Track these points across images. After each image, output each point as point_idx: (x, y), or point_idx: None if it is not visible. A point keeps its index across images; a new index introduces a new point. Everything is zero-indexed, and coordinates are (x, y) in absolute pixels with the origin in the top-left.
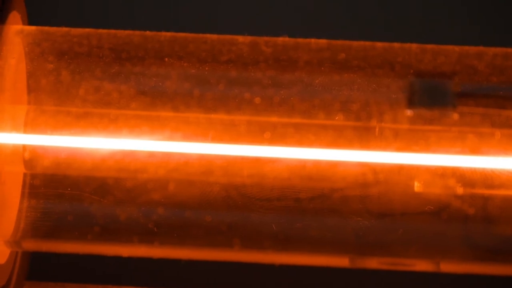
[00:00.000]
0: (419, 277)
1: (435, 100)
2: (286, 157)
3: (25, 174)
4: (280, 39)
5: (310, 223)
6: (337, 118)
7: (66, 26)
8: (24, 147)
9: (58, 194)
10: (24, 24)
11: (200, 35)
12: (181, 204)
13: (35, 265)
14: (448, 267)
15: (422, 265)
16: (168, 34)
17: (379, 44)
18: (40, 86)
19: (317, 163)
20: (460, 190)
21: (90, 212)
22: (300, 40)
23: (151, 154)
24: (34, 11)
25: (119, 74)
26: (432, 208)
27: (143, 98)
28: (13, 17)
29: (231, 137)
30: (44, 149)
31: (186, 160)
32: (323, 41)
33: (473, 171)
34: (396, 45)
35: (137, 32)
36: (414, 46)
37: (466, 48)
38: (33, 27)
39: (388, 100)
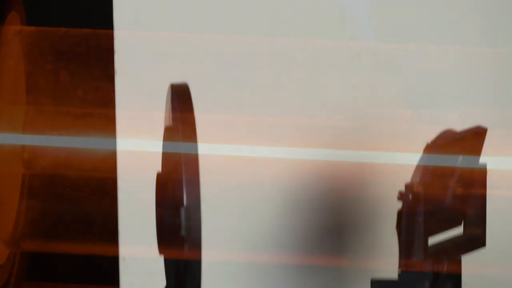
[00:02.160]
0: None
1: (433, 100)
2: (285, 157)
3: (24, 175)
4: (279, 39)
5: (308, 223)
6: (336, 118)
7: (65, 26)
8: (23, 147)
9: (57, 194)
10: (23, 24)
11: (200, 35)
12: (179, 204)
13: (34, 265)
14: (447, 267)
15: (421, 265)
16: (167, 34)
17: (376, 45)
18: (39, 87)
19: (315, 163)
20: (459, 190)
21: (89, 212)
22: (299, 40)
23: (150, 154)
24: (32, 12)
25: (118, 74)
26: (431, 208)
27: (141, 98)
28: (12, 17)
29: (230, 137)
30: (43, 150)
31: (184, 160)
32: (321, 41)
33: (472, 171)
34: (394, 45)
35: (135, 32)
36: (412, 46)
37: (466, 48)
38: (32, 28)
39: (387, 100)
